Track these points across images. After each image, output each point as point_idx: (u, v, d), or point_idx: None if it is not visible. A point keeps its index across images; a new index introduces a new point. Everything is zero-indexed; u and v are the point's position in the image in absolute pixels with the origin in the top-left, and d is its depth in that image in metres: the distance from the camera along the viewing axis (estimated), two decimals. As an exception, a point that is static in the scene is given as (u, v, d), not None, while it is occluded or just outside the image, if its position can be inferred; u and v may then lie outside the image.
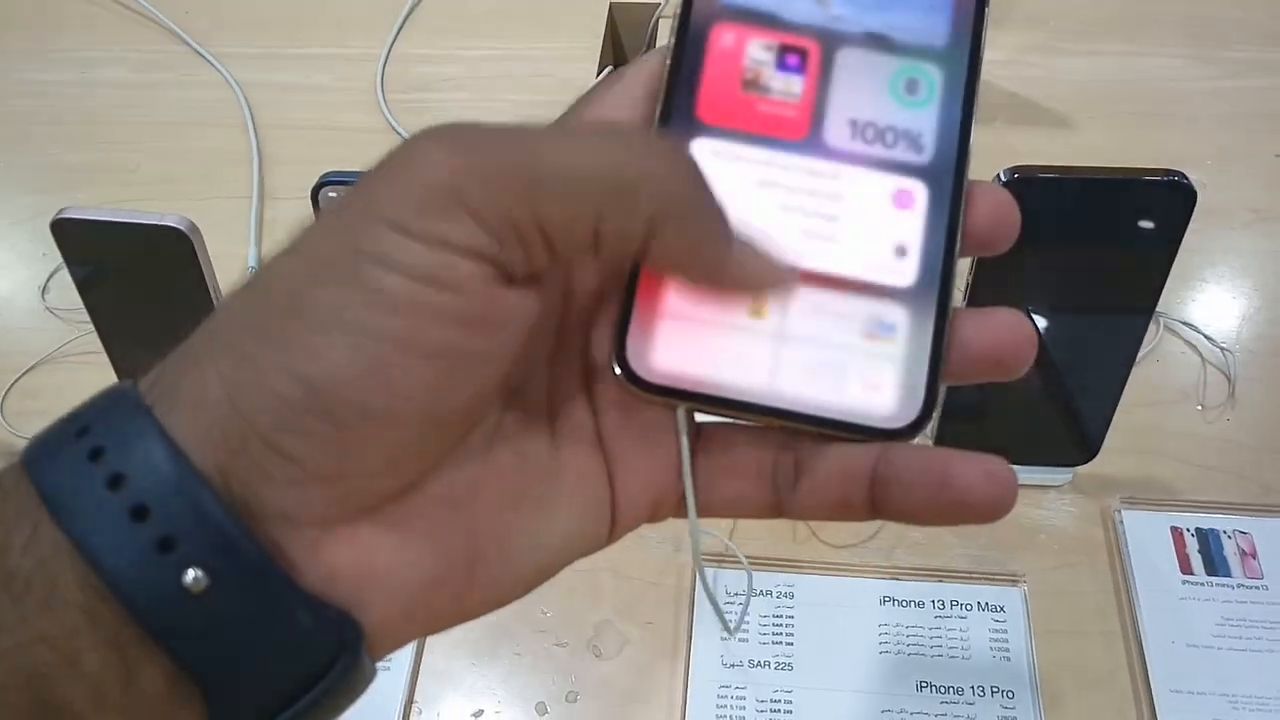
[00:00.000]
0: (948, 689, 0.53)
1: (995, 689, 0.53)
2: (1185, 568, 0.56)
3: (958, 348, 0.24)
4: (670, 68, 0.25)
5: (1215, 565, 0.56)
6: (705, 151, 0.25)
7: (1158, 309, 0.52)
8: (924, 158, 0.25)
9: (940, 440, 0.59)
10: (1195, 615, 0.54)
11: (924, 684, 0.53)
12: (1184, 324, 0.67)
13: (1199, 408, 0.64)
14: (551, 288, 0.24)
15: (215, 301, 0.55)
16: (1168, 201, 0.48)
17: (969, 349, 0.24)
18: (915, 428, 0.24)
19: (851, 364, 0.24)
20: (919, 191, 0.25)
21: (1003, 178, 0.48)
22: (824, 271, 0.24)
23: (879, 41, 0.25)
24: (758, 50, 0.25)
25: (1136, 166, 0.48)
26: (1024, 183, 0.48)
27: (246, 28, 0.89)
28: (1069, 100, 0.80)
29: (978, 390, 0.57)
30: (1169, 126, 0.78)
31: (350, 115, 0.84)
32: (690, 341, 0.24)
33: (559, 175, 0.20)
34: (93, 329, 0.58)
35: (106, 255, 0.53)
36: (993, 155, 0.51)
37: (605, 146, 0.21)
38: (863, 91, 0.25)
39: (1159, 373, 0.65)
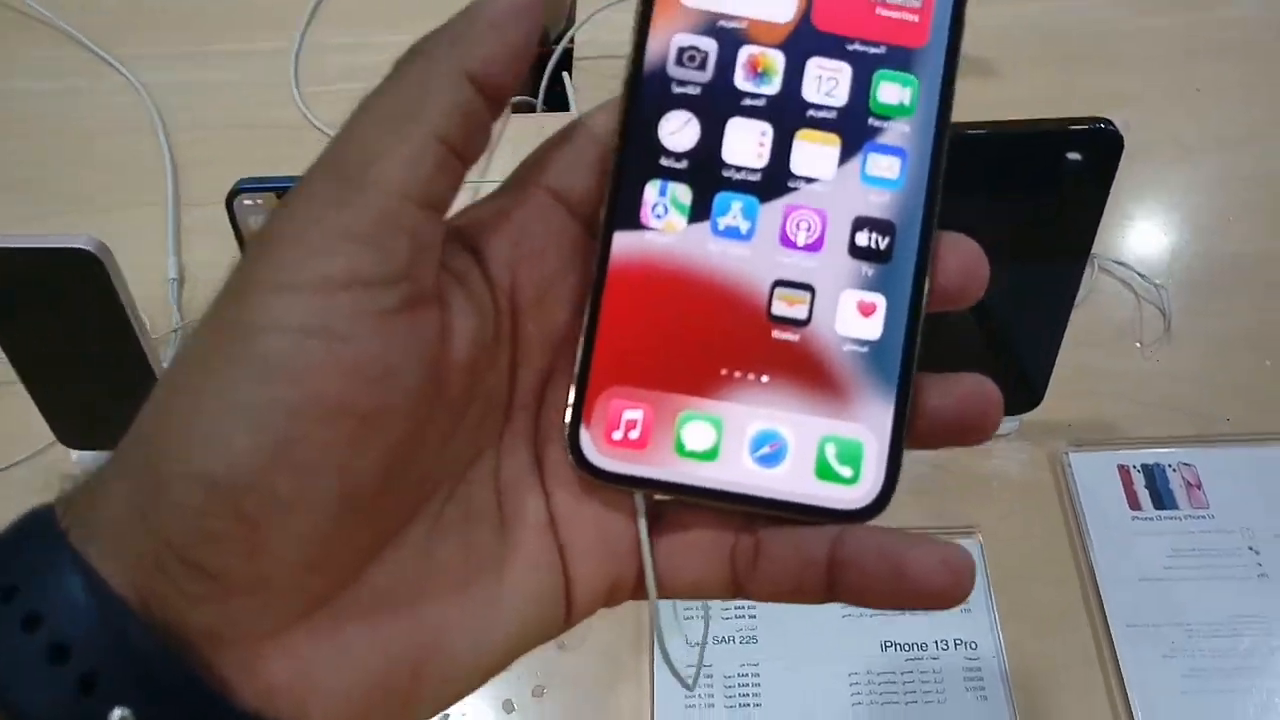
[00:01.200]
0: (911, 645, 0.53)
1: (958, 641, 0.53)
2: (1134, 504, 0.57)
3: (923, 416, 0.24)
4: (620, 144, 0.24)
5: (1162, 499, 0.57)
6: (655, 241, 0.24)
7: (1091, 251, 0.53)
8: (887, 266, 0.25)
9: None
10: (1146, 550, 0.55)
11: (888, 644, 0.53)
12: (1117, 263, 0.68)
13: (1137, 345, 0.65)
14: (494, 360, 0.23)
15: (133, 322, 0.53)
16: (1095, 148, 0.48)
17: (934, 418, 0.24)
18: (875, 509, 0.24)
19: (810, 448, 0.24)
20: (883, 294, 0.25)
21: (928, 133, 0.48)
22: (784, 357, 0.24)
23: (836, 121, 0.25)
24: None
25: (1062, 116, 0.48)
26: (953, 140, 0.47)
27: (149, 27, 0.86)
28: (992, 47, 0.80)
29: (922, 344, 0.56)
30: (1092, 69, 0.78)
31: (266, 112, 0.81)
32: (645, 427, 0.24)
33: (370, 148, 0.20)
34: (4, 359, 0.56)
35: (12, 283, 0.51)
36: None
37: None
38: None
39: (1095, 314, 0.65)
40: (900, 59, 0.25)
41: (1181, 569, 0.55)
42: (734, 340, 0.24)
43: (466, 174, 0.22)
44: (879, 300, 0.25)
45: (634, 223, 0.24)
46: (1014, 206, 0.51)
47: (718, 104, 0.25)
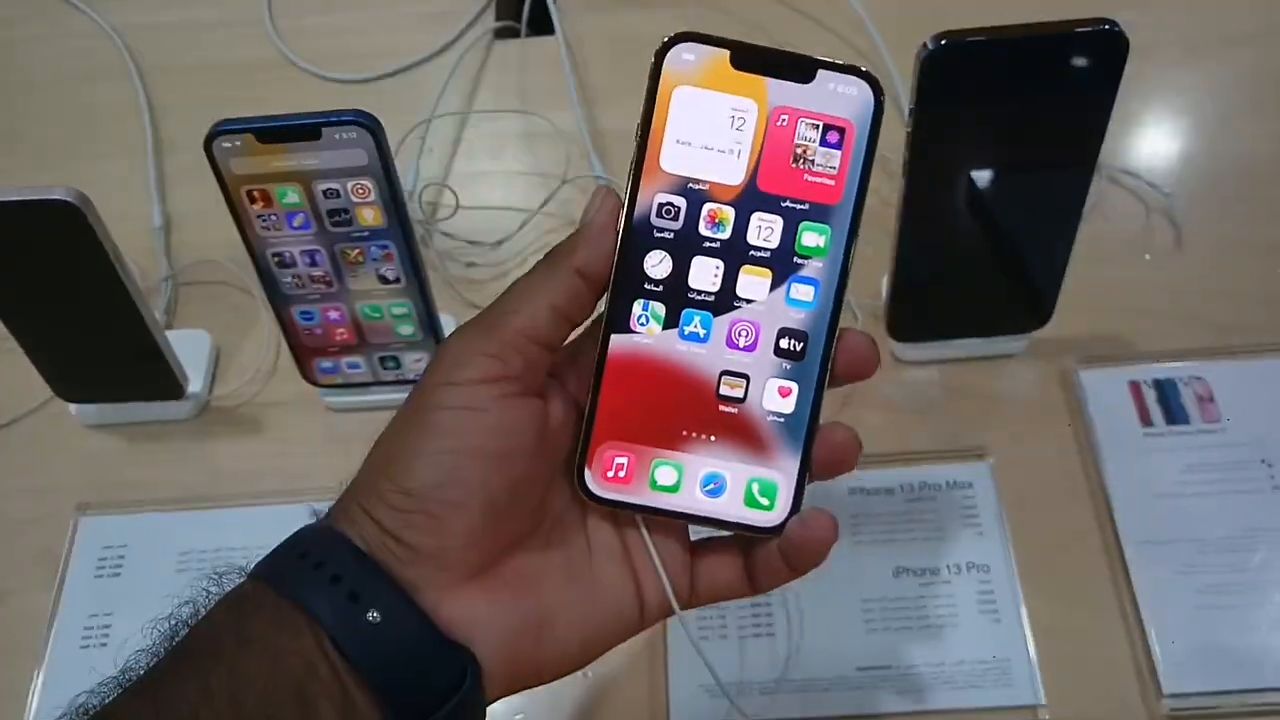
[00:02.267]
0: (924, 571, 0.53)
1: (971, 565, 0.53)
2: (1145, 420, 0.56)
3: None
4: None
5: (1174, 414, 0.56)
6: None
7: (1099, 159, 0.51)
8: (801, 362, 0.34)
9: (894, 318, 0.58)
10: (1159, 466, 0.55)
11: (901, 569, 0.53)
12: (1124, 172, 0.66)
13: (1146, 257, 0.63)
14: (562, 413, 0.35)
15: (120, 272, 0.52)
16: (1101, 51, 0.46)
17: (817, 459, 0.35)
18: (783, 527, 0.35)
19: (741, 485, 0.35)
20: (796, 381, 0.34)
21: (930, 45, 0.46)
22: (727, 423, 0.34)
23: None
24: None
25: (1065, 19, 0.46)
26: (954, 48, 0.46)
27: (114, -34, 0.83)
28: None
29: (927, 266, 0.55)
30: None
31: (242, 51, 0.78)
32: (630, 469, 0.35)
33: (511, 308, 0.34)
34: (-5, 316, 0.55)
35: (-7, 238, 0.50)
36: (918, 22, 0.48)
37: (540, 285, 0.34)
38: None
39: (1104, 226, 0.64)
40: (819, 213, 0.34)
41: (1194, 484, 0.54)
42: (692, 411, 0.34)
43: (574, 328, 0.35)
44: (793, 385, 0.34)
45: (625, 328, 0.34)
46: (1018, 115, 0.49)
47: (686, 245, 0.34)
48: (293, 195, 0.50)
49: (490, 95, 0.74)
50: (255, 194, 0.50)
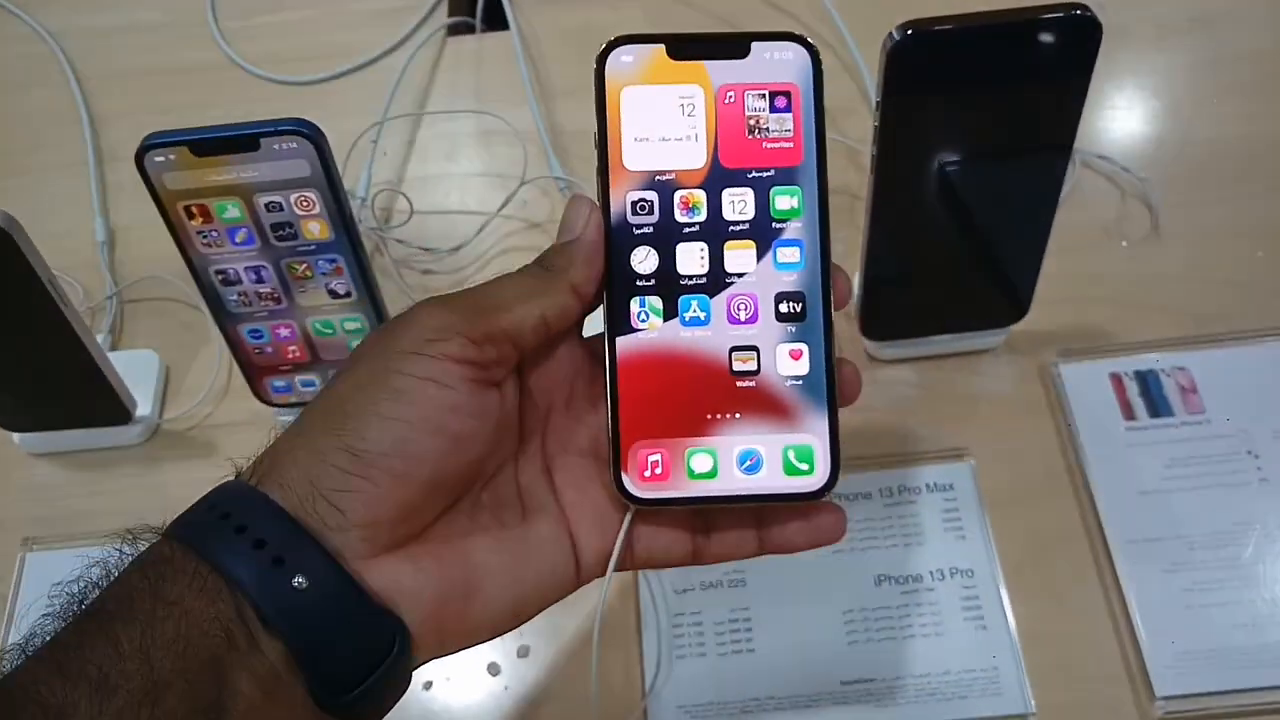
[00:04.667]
0: (906, 579, 0.51)
1: (955, 570, 0.51)
2: (1128, 413, 0.55)
3: None
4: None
5: (1157, 407, 0.55)
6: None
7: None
8: (804, 322, 0.35)
9: (866, 316, 0.56)
10: (1143, 461, 0.53)
11: (882, 578, 0.51)
12: (1098, 157, 0.64)
13: (1123, 244, 0.62)
14: (511, 404, 0.34)
15: (55, 297, 0.49)
16: (1073, 36, 0.45)
17: None
18: (829, 487, 0.34)
19: (778, 456, 0.34)
20: (805, 342, 0.35)
21: (895, 35, 0.44)
22: (748, 398, 0.35)
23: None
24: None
25: (1035, 4, 0.44)
26: (920, 38, 0.44)
27: (49, -32, 0.79)
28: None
29: (899, 261, 0.53)
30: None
31: (185, 53, 0.75)
32: (665, 464, 0.34)
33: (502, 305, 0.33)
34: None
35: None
36: (884, 11, 0.46)
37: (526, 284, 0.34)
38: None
39: (1078, 214, 0.62)
40: (786, 176, 0.35)
41: (1180, 479, 0.53)
42: (712, 393, 0.35)
43: (551, 335, 0.34)
44: (803, 347, 0.35)
45: (627, 328, 0.35)
46: (989, 104, 0.47)
47: (667, 235, 0.35)
48: (233, 210, 0.47)
49: (444, 95, 0.71)
50: (194, 209, 0.47)
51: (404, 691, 0.31)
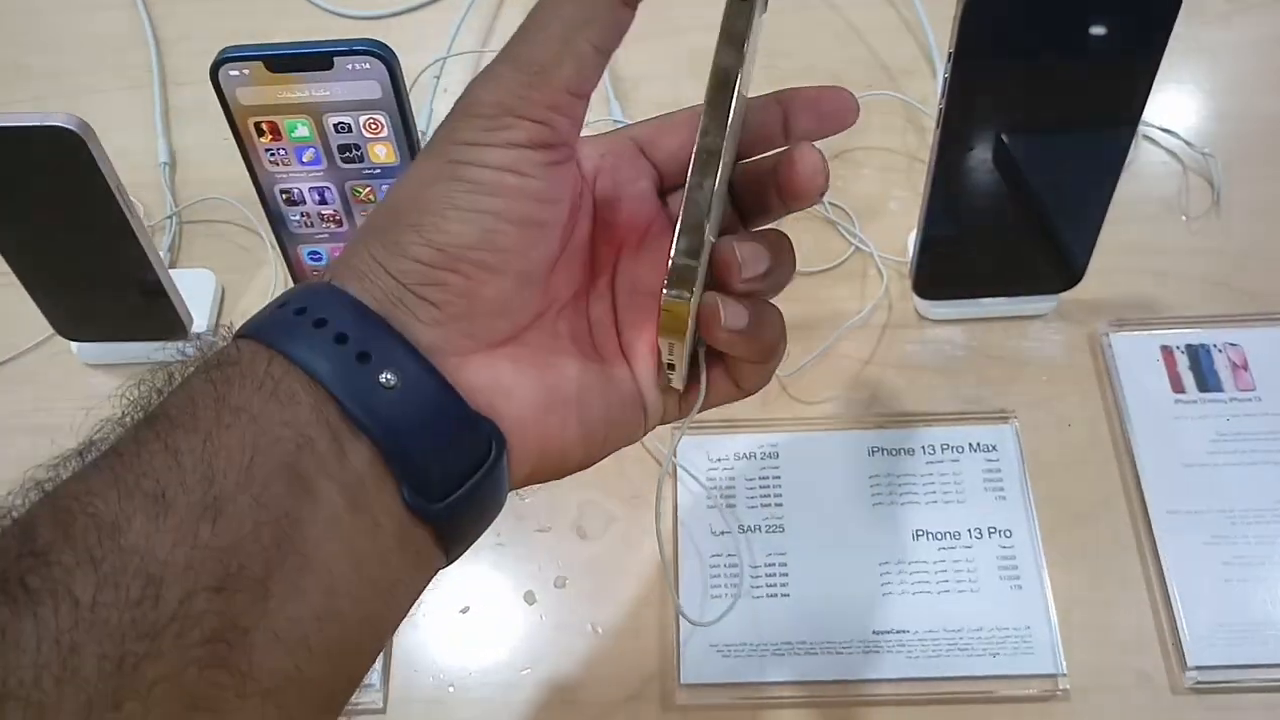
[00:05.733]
0: (944, 534, 0.52)
1: (993, 529, 0.52)
2: (1177, 387, 0.54)
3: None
4: None
5: (1207, 381, 0.54)
6: None
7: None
8: None
9: (920, 275, 0.56)
10: (1189, 434, 0.53)
11: (920, 532, 0.52)
12: (1161, 130, 0.64)
13: (1183, 219, 0.61)
14: (580, 220, 0.32)
15: (122, 204, 0.50)
16: (1150, 5, 0.44)
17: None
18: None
19: None
20: None
21: (971, -9, 0.44)
22: None
23: None
24: None
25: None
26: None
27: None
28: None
29: (957, 223, 0.53)
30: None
31: (250, -20, 0.76)
32: None
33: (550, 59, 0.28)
34: (-6, 247, 0.53)
35: (-8, 166, 0.48)
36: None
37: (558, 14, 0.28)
38: None
39: (1138, 185, 0.62)
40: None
41: (1225, 454, 0.52)
42: None
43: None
44: None
45: None
46: (1060, 70, 0.47)
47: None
48: (302, 128, 0.48)
49: (507, 34, 0.71)
50: (263, 126, 0.48)
51: (498, 509, 0.29)
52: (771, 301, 0.32)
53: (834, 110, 0.32)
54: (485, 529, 0.29)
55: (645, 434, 0.33)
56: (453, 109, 0.28)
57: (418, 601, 0.28)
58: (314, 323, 0.26)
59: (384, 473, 0.26)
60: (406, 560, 0.27)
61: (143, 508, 0.23)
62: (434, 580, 0.29)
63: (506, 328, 0.29)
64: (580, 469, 0.31)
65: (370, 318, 0.27)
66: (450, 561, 0.29)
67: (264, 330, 0.27)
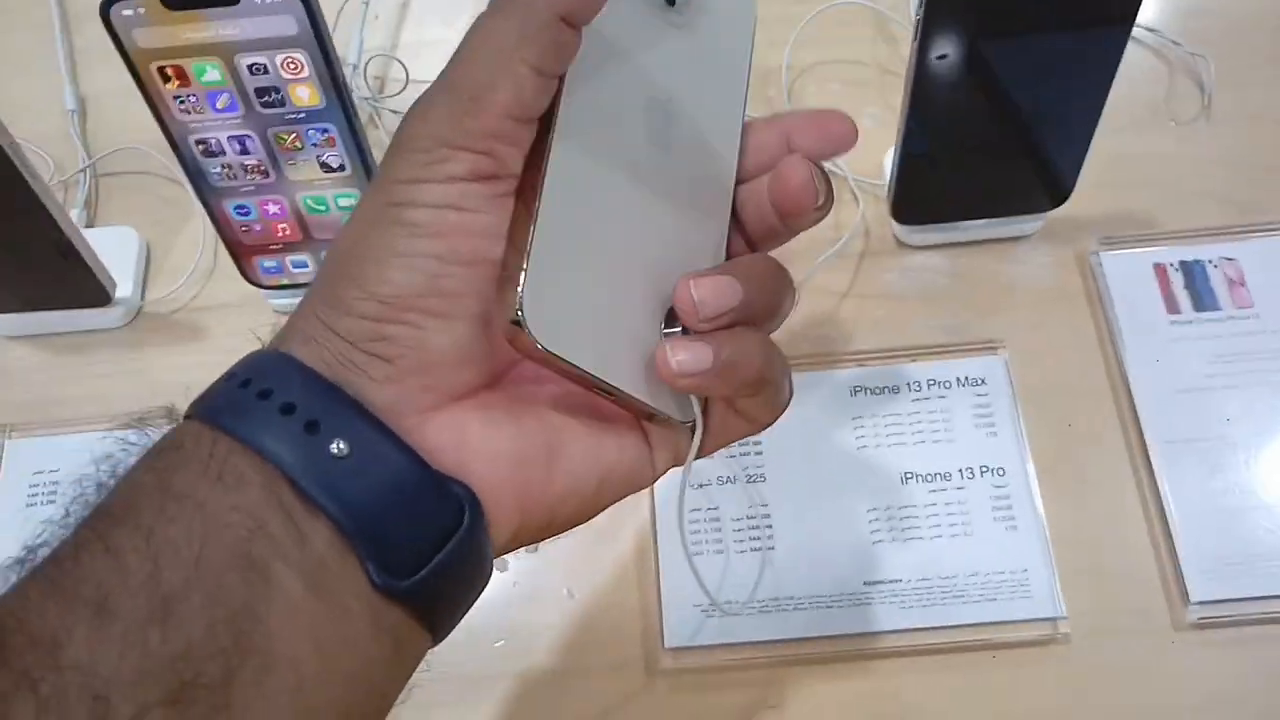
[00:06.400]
0: (934, 476, 0.49)
1: (985, 468, 0.49)
2: (1172, 307, 0.52)
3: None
4: None
5: (1203, 300, 0.52)
6: None
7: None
8: None
9: (898, 198, 0.53)
10: (1186, 357, 0.50)
11: (909, 475, 0.49)
12: (1147, 29, 0.60)
13: (1171, 124, 0.58)
14: None
15: (18, 165, 0.45)
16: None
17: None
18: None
19: None
20: None
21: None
22: None
23: None
24: None
25: None
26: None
27: None
28: None
29: (940, 139, 0.49)
30: None
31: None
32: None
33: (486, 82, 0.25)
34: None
35: None
36: None
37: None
38: None
39: (1124, 90, 0.56)
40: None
41: (1224, 376, 0.50)
42: None
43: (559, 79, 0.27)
44: None
45: None
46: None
47: None
48: (213, 72, 0.43)
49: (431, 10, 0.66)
50: (168, 71, 0.42)
51: (484, 581, 0.27)
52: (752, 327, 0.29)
53: (838, 133, 0.30)
54: (473, 600, 0.27)
55: (656, 478, 0.30)
56: (391, 143, 0.26)
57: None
58: (259, 394, 0.24)
59: (346, 551, 0.24)
60: (384, 646, 0.25)
61: (84, 618, 0.21)
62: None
63: (472, 377, 0.27)
64: (575, 525, 0.28)
65: (318, 383, 0.25)
66: (438, 640, 0.26)
67: (207, 408, 0.25)
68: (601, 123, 0.27)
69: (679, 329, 0.28)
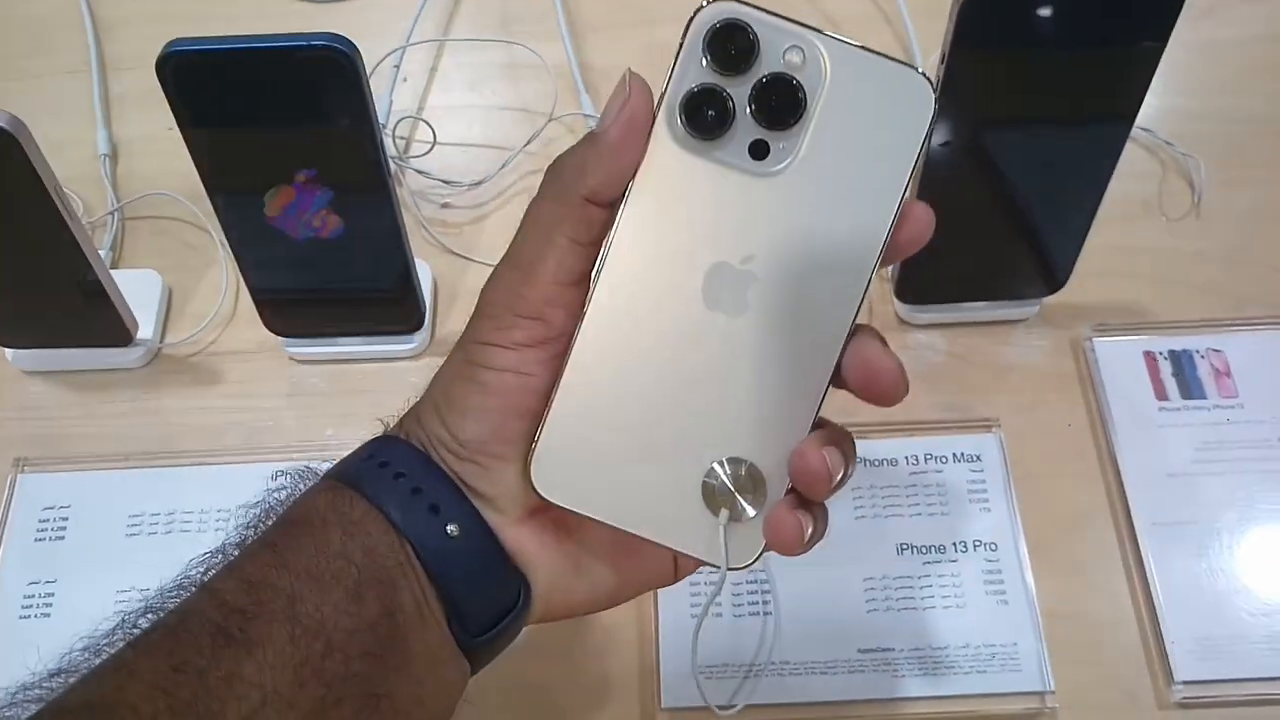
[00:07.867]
0: (929, 549, 0.50)
1: (978, 543, 0.50)
2: (1160, 394, 0.54)
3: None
4: None
5: (1190, 388, 0.54)
6: None
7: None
8: None
9: (901, 278, 0.55)
10: (1173, 442, 0.52)
11: (904, 546, 0.50)
12: (1142, 129, 0.62)
13: (1163, 219, 0.60)
14: None
15: (58, 203, 0.47)
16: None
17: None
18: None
19: None
20: None
21: (969, -14, 0.42)
22: None
23: None
24: None
25: (1118, -39, 0.42)
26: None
27: None
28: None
29: (944, 223, 0.51)
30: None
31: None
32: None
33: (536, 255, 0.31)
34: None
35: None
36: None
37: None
38: None
39: (1118, 186, 0.60)
40: None
41: (1210, 463, 0.52)
42: None
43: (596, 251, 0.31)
44: None
45: None
46: (1057, 65, 0.45)
47: None
48: (258, 127, 0.45)
49: (470, 22, 0.69)
50: (215, 124, 0.44)
51: (510, 642, 0.33)
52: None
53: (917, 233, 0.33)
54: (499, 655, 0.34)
55: (678, 580, 0.35)
56: (476, 305, 0.32)
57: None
58: (394, 475, 0.31)
59: (441, 608, 0.31)
60: (456, 681, 0.32)
61: (310, 586, 0.29)
62: None
63: (527, 505, 0.32)
64: (598, 611, 0.35)
65: (439, 475, 0.32)
66: (473, 674, 0.33)
67: (356, 479, 0.32)
68: (645, 288, 0.30)
69: (782, 496, 0.31)
